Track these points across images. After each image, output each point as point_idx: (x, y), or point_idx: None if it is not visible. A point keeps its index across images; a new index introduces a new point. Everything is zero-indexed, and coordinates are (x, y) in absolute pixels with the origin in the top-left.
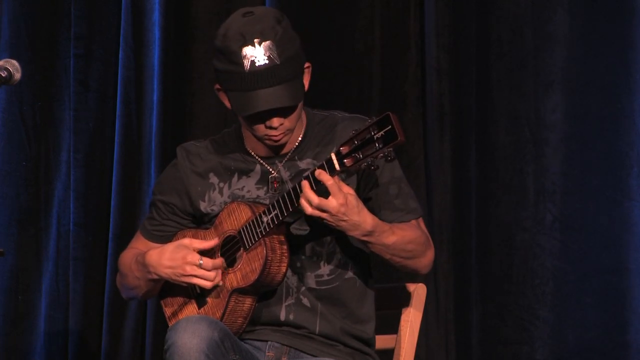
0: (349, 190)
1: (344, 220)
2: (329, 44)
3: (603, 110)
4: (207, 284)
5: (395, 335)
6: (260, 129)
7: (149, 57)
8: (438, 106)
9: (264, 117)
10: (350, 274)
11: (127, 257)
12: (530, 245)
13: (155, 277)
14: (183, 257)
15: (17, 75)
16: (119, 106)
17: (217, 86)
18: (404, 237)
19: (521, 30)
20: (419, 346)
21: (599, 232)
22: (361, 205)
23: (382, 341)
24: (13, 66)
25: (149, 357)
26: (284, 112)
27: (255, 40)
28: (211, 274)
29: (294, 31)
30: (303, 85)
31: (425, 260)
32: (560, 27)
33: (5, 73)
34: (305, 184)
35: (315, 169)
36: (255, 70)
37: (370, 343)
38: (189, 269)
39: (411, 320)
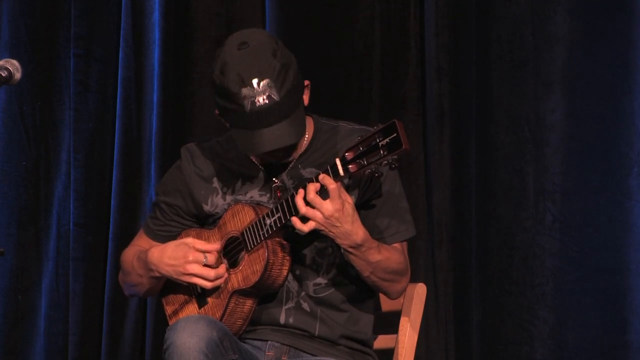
0: (347, 198)
1: (335, 227)
2: (329, 44)
3: (603, 110)
4: (206, 284)
5: (395, 335)
6: (266, 156)
7: (149, 57)
8: (438, 106)
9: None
10: (348, 282)
11: (130, 254)
12: (530, 245)
13: (157, 274)
14: (184, 256)
15: (17, 75)
16: (119, 106)
17: (218, 112)
18: (388, 259)
19: (521, 30)
20: (419, 346)
21: (599, 232)
22: (356, 216)
23: (382, 341)
24: (13, 66)
25: (149, 357)
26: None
27: (254, 80)
28: (211, 274)
29: (290, 52)
30: (304, 114)
31: (398, 287)
32: (560, 27)
33: (6, 73)
34: (310, 186)
35: (319, 174)
36: (256, 110)
37: (369, 344)
38: (190, 268)
39: (411, 320)
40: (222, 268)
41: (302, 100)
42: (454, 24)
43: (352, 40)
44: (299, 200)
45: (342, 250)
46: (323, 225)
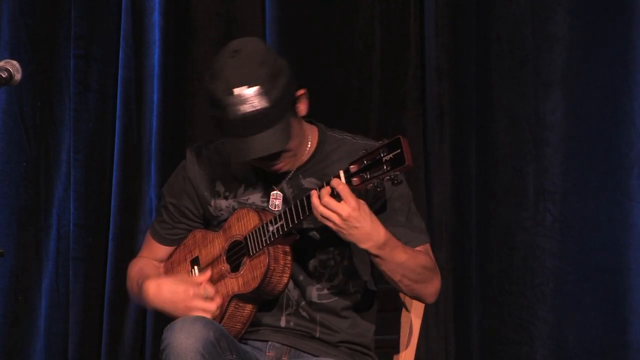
0: (360, 200)
1: (355, 227)
2: (328, 44)
3: (603, 110)
4: (208, 316)
5: (395, 336)
6: (258, 164)
7: (149, 57)
8: (438, 106)
9: (257, 158)
10: (352, 291)
11: (134, 271)
12: (530, 245)
13: (153, 309)
14: (185, 291)
15: (18, 76)
16: (119, 106)
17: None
18: (415, 257)
19: (521, 30)
20: (419, 346)
21: (599, 232)
22: (374, 216)
23: (382, 341)
24: (13, 67)
25: (149, 357)
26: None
27: (239, 88)
28: (213, 307)
29: (283, 60)
30: (292, 122)
31: (432, 288)
32: (560, 27)
33: (6, 74)
34: (323, 190)
35: (322, 185)
36: (241, 117)
37: (370, 347)
38: (195, 304)
39: (411, 320)
40: (219, 298)
41: (291, 110)
42: (454, 24)
43: (352, 40)
44: (316, 200)
45: (370, 258)
46: (342, 227)
